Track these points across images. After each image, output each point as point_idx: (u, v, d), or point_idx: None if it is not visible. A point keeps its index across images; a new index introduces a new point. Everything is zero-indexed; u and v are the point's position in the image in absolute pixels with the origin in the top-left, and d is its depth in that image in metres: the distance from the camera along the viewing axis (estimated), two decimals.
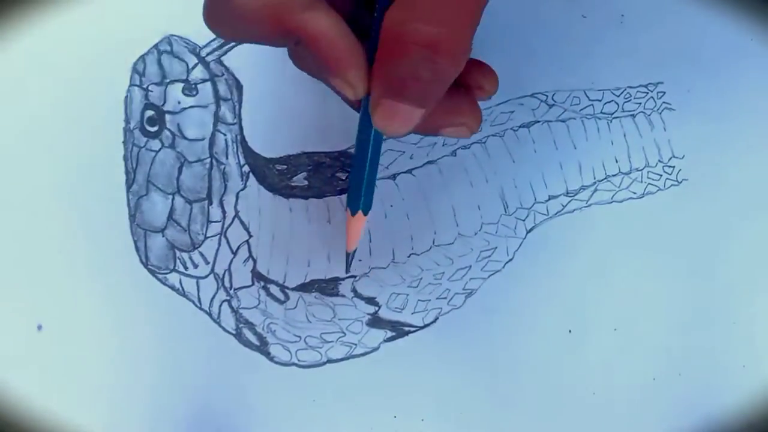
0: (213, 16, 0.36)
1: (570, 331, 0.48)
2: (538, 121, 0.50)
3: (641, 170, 0.50)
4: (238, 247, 0.49)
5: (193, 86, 0.49)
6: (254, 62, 0.50)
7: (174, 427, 0.46)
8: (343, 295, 0.48)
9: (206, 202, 0.49)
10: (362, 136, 0.39)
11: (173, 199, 0.49)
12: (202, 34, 0.50)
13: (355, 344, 0.48)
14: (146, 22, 0.50)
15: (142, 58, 0.50)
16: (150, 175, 0.49)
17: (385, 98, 0.35)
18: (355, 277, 0.49)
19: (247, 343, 0.48)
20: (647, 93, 0.50)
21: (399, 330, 0.48)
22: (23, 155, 0.49)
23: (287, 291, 0.48)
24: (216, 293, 0.48)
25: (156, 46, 0.50)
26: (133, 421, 0.47)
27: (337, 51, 0.34)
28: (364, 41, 0.36)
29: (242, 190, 0.49)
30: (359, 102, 0.38)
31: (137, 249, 0.48)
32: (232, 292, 0.48)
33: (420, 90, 0.34)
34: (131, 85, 0.50)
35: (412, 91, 0.34)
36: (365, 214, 0.42)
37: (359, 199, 0.41)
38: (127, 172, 0.49)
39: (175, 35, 0.50)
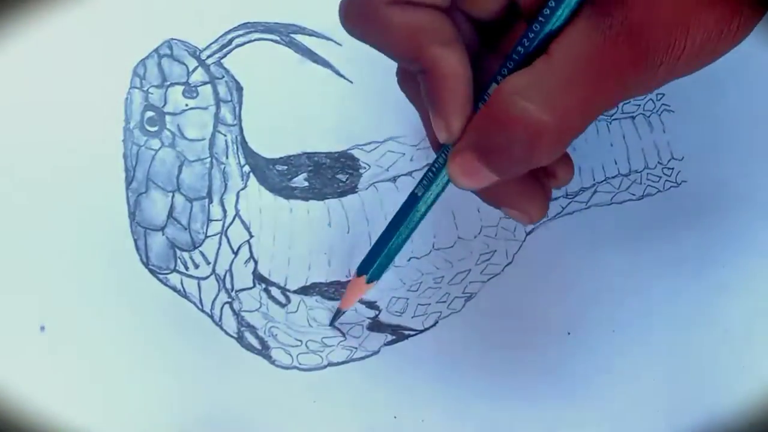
0: (352, 14, 0.36)
1: (569, 333, 0.48)
2: None
3: (640, 172, 0.50)
4: (239, 247, 0.49)
5: (194, 89, 0.50)
6: (254, 64, 0.50)
7: (174, 430, 0.46)
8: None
9: (207, 200, 0.49)
10: (416, 195, 0.39)
11: (173, 197, 0.49)
12: (202, 38, 0.50)
13: (356, 348, 0.48)
14: (147, 26, 0.50)
15: (143, 61, 0.50)
16: (150, 173, 0.49)
17: (469, 152, 0.34)
18: None
19: (248, 347, 0.47)
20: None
21: (399, 334, 0.48)
22: (23, 154, 0.49)
23: (288, 294, 0.48)
24: (217, 295, 0.48)
25: (156, 50, 0.50)
26: (133, 423, 0.46)
27: (453, 95, 0.34)
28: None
29: (243, 189, 0.49)
30: (440, 146, 0.38)
31: (137, 248, 0.48)
32: (233, 294, 0.48)
33: (505, 163, 0.34)
34: (131, 87, 0.50)
35: (498, 161, 0.34)
36: (369, 282, 0.43)
37: (372, 266, 0.42)
38: (126, 170, 0.49)
39: (175, 39, 0.50)
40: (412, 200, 0.40)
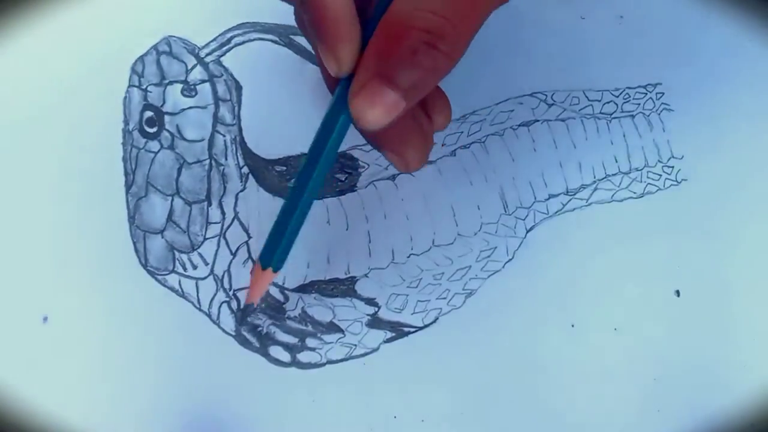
0: None
1: (570, 330, 0.48)
2: (538, 120, 0.50)
3: (641, 170, 0.50)
4: (238, 248, 0.49)
5: (192, 87, 0.50)
6: (253, 63, 0.50)
7: (173, 428, 0.46)
8: (342, 296, 0.48)
9: (205, 203, 0.49)
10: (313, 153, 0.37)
11: (172, 200, 0.49)
12: (201, 35, 0.50)
13: (355, 345, 0.48)
14: (145, 23, 0.50)
15: (141, 59, 0.50)
16: (149, 176, 0.49)
17: (373, 79, 0.34)
18: (354, 277, 0.48)
19: (246, 345, 0.47)
20: (646, 94, 0.51)
21: (399, 330, 0.48)
22: (23, 156, 0.49)
23: (286, 292, 0.48)
24: (215, 294, 0.48)
25: (155, 47, 0.50)
26: (133, 421, 0.46)
27: (336, 22, 0.34)
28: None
29: (241, 191, 0.49)
30: (335, 83, 0.36)
31: (136, 251, 0.48)
32: (231, 293, 0.48)
33: (413, 77, 0.33)
34: (130, 85, 0.50)
35: (404, 76, 0.33)
36: (275, 270, 0.40)
37: (274, 253, 0.39)
38: (126, 174, 0.49)
39: (174, 36, 0.50)
40: (307, 168, 0.37)
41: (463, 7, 0.33)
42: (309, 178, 0.37)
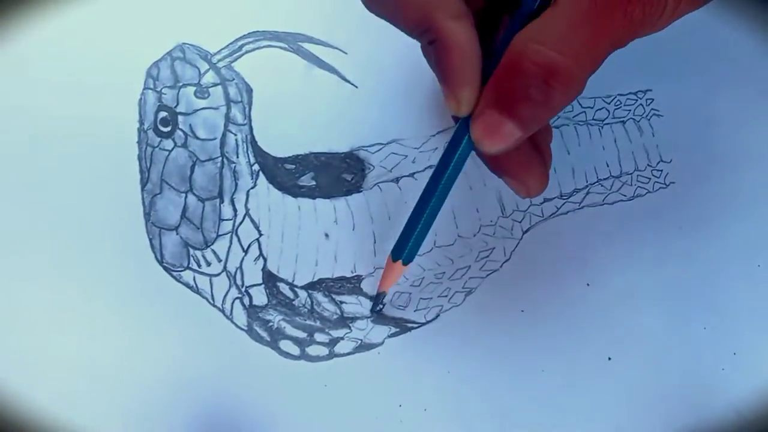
0: None
1: (564, 326, 0.49)
2: None
3: (631, 174, 0.51)
4: (249, 245, 0.50)
5: (205, 89, 0.51)
6: (264, 69, 0.51)
7: (187, 418, 0.47)
8: (348, 294, 0.49)
9: (218, 200, 0.50)
10: (438, 172, 0.40)
11: (186, 197, 0.50)
12: (213, 42, 0.51)
13: (361, 339, 0.49)
14: (160, 31, 0.51)
15: (156, 64, 0.51)
16: (164, 174, 0.50)
17: (490, 108, 0.35)
18: (360, 276, 0.49)
19: (258, 339, 0.48)
20: (636, 100, 0.52)
21: (402, 326, 0.49)
22: (43, 156, 0.50)
23: (296, 289, 0.49)
24: (228, 291, 0.49)
25: (169, 52, 0.51)
26: (148, 412, 0.47)
27: (462, 66, 0.35)
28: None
29: (252, 188, 0.50)
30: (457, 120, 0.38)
31: (152, 247, 0.49)
32: (243, 290, 0.49)
33: (527, 110, 0.34)
34: (145, 88, 0.51)
35: (519, 109, 0.34)
36: (405, 264, 0.44)
37: (405, 249, 0.43)
38: (141, 172, 0.50)
39: (187, 43, 0.51)
40: (436, 180, 0.41)
41: (583, 41, 0.33)
42: (438, 184, 0.40)
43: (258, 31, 0.52)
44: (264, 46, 0.51)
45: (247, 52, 0.51)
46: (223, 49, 0.51)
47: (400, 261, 0.44)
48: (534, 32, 0.34)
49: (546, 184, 0.41)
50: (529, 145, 0.39)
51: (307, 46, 0.52)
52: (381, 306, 0.49)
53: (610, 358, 0.49)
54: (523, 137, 0.35)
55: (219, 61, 0.51)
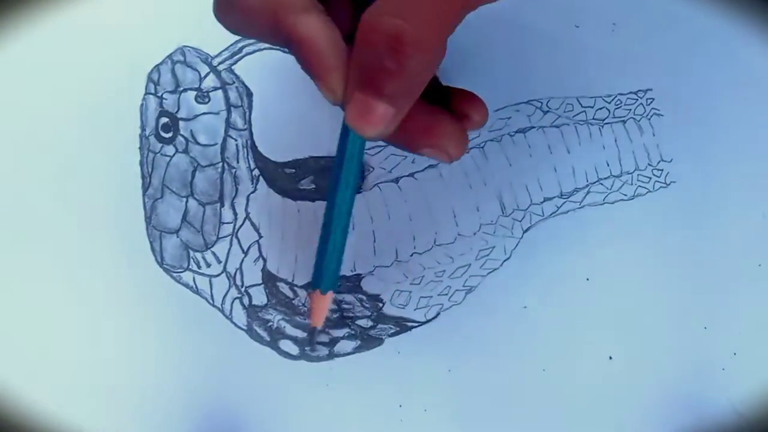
0: (220, 8, 0.36)
1: (565, 325, 0.49)
2: (534, 127, 0.50)
3: (631, 173, 0.51)
4: (249, 247, 0.50)
5: (206, 94, 0.51)
6: (264, 71, 0.51)
7: (188, 418, 0.47)
8: (348, 293, 0.49)
9: (218, 204, 0.50)
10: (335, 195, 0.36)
11: (187, 201, 0.50)
12: (214, 45, 0.51)
13: (361, 339, 0.49)
14: (161, 34, 0.51)
15: (157, 67, 0.51)
16: (165, 179, 0.50)
17: (355, 91, 0.33)
18: (360, 275, 0.49)
19: (257, 338, 0.48)
20: (637, 99, 0.52)
21: (402, 325, 0.49)
22: (46, 161, 0.50)
23: (296, 289, 0.49)
24: (228, 291, 0.49)
25: (170, 56, 0.51)
26: (148, 412, 0.48)
27: (319, 55, 0.33)
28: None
29: (252, 192, 0.50)
30: None
31: (153, 250, 0.50)
32: (243, 290, 0.49)
33: (390, 85, 0.32)
34: (146, 93, 0.51)
35: (382, 85, 0.32)
36: (324, 292, 0.38)
37: (325, 276, 0.37)
38: (143, 177, 0.50)
39: (188, 46, 0.51)
40: (332, 191, 0.36)
41: (423, 8, 0.32)
42: (334, 198, 0.36)
43: None
44: (264, 48, 0.51)
45: (247, 54, 0.51)
46: (223, 51, 0.51)
47: (322, 290, 0.38)
48: (379, 4, 0.33)
49: (464, 147, 0.38)
50: (432, 109, 0.37)
51: None
52: (313, 346, 0.48)
53: (611, 358, 0.49)
54: (400, 114, 0.34)
55: (219, 64, 0.51)
